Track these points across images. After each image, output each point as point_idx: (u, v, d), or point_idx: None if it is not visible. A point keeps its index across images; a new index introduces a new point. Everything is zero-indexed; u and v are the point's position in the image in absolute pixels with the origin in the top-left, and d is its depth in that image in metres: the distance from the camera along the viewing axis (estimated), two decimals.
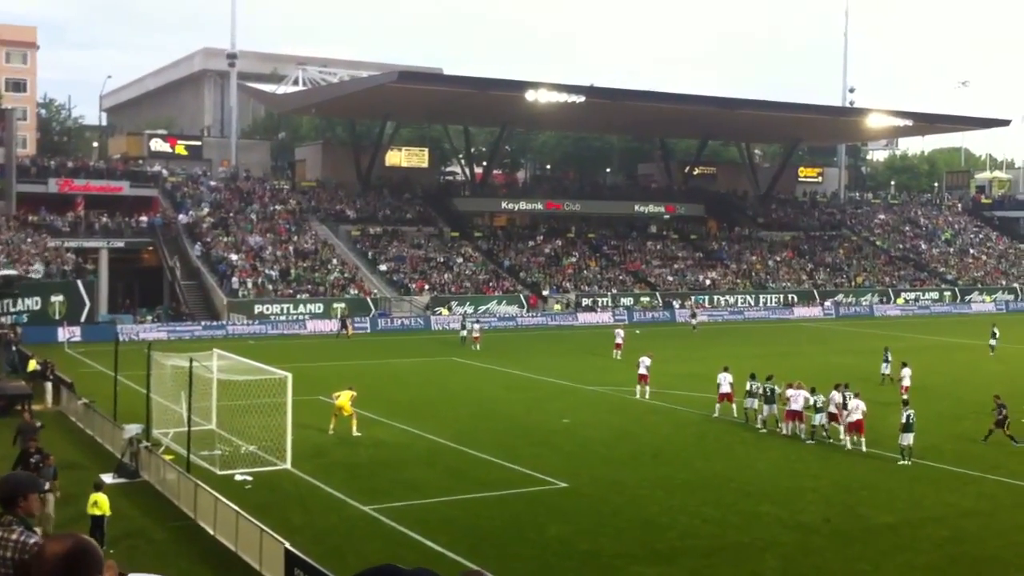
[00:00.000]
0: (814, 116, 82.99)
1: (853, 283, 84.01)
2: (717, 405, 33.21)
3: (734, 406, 32.98)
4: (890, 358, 41.69)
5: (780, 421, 30.71)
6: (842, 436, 29.00)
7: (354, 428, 29.65)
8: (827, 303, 78.89)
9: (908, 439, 26.70)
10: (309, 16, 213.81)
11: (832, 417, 29.43)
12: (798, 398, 29.71)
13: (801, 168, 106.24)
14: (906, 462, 26.47)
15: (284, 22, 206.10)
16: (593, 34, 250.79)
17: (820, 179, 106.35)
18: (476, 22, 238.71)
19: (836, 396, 29.56)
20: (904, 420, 26.85)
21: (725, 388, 32.92)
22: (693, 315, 66.77)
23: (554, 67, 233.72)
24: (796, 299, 78.98)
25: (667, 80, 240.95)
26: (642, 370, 37.11)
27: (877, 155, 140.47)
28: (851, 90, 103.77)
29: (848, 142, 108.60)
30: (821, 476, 25.52)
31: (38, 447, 21.56)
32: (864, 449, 27.95)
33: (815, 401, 29.58)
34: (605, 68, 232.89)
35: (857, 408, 28.24)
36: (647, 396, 36.61)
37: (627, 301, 73.54)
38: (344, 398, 29.72)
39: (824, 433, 29.35)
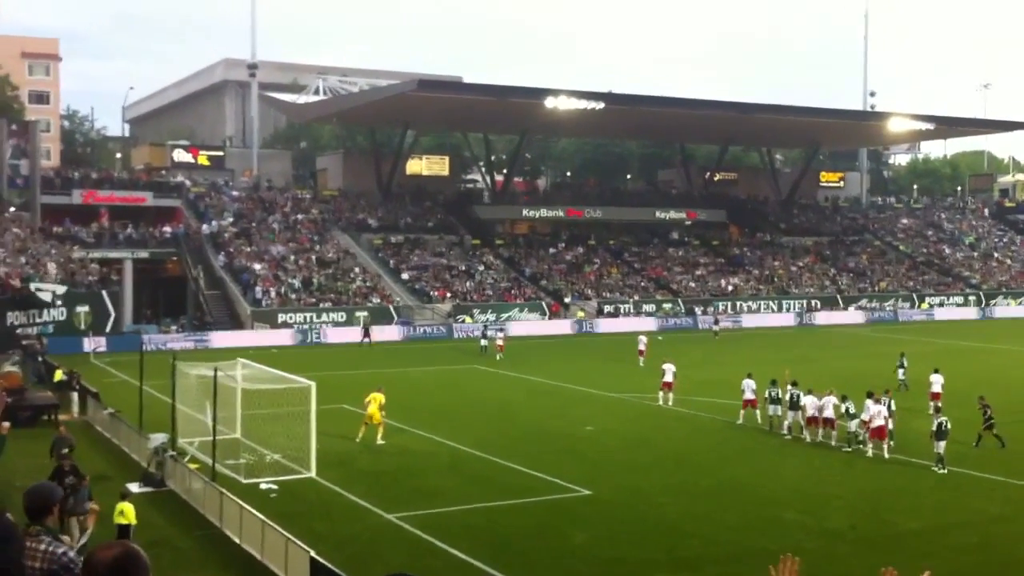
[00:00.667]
0: (835, 120, 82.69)
1: (876, 288, 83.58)
2: (741, 412, 33.10)
3: (758, 412, 32.87)
4: (906, 363, 41.25)
5: (804, 428, 30.60)
6: (817, 434, 29.52)
7: (379, 436, 29.74)
8: (851, 308, 78.52)
9: (941, 446, 26.38)
10: (326, 27, 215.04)
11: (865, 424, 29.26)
12: (827, 405, 29.46)
13: (822, 173, 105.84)
14: (942, 470, 26.13)
15: (301, 32, 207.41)
16: (593, 34, 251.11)
17: (842, 184, 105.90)
18: (476, 22, 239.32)
19: (870, 403, 29.21)
20: (936, 427, 26.53)
21: (749, 395, 32.82)
22: (716, 322, 66.57)
23: (554, 67, 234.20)
24: (819, 304, 78.64)
25: (667, 80, 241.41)
26: (668, 377, 36.95)
27: (899, 159, 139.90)
28: (872, 94, 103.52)
29: (869, 146, 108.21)
30: (846, 483, 25.39)
31: (72, 464, 21.12)
32: (886, 456, 27.76)
33: (847, 407, 29.36)
34: (605, 68, 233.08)
35: (879, 414, 27.99)
36: (671, 403, 36.52)
37: (649, 307, 73.45)
38: (374, 404, 29.81)
39: (859, 442, 28.93)
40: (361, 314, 63.70)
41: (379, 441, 29.60)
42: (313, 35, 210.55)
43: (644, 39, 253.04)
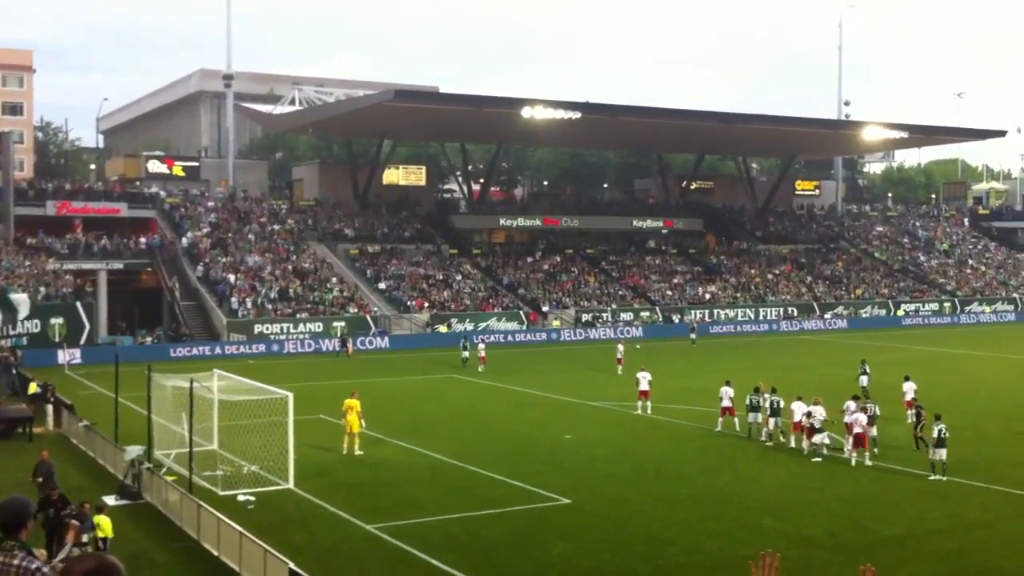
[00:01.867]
0: (811, 130, 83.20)
1: (852, 295, 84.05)
2: (720, 419, 33.15)
3: (736, 420, 32.93)
4: (868, 370, 41.39)
5: (787, 434, 30.61)
6: (803, 442, 29.46)
7: (356, 447, 29.61)
8: (827, 315, 78.93)
9: (941, 454, 26.31)
10: (302, 37, 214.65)
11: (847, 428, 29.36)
12: (816, 414, 29.24)
13: (798, 181, 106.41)
14: (940, 477, 26.12)
15: (278, 43, 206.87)
16: (593, 34, 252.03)
17: (817, 192, 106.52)
18: (476, 22, 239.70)
19: (851, 404, 29.29)
20: (937, 435, 26.39)
21: (726, 402, 32.88)
22: (692, 329, 66.67)
23: (554, 67, 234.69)
24: (796, 312, 79.01)
25: (667, 80, 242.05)
26: (644, 386, 37.02)
27: (874, 167, 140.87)
28: (847, 103, 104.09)
29: (845, 155, 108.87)
30: (825, 490, 25.46)
31: (60, 494, 20.32)
32: (868, 463, 27.84)
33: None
34: (605, 68, 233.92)
35: (858, 421, 28.06)
36: (649, 411, 36.54)
37: (627, 316, 73.57)
38: (352, 413, 29.68)
39: (830, 449, 28.94)
40: (339, 324, 63.49)
41: (357, 452, 29.48)
42: (290, 46, 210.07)
43: (644, 39, 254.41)
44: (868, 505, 23.84)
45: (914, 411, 30.55)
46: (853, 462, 27.94)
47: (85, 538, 17.68)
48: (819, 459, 28.70)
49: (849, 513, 23.08)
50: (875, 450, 28.71)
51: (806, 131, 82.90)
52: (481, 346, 53.14)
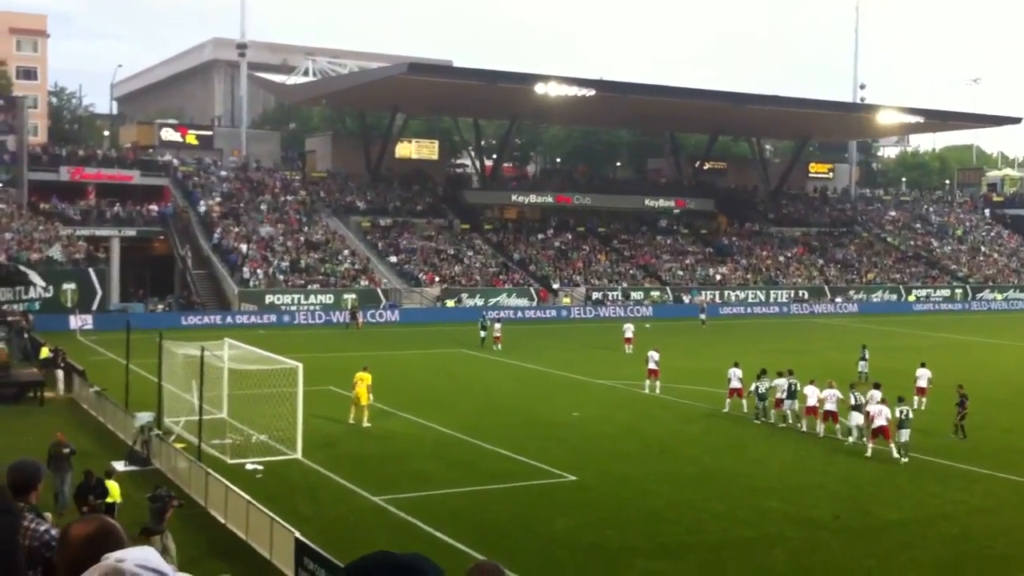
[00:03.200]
0: (825, 112, 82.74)
1: (864, 280, 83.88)
2: (727, 400, 33.22)
3: (744, 402, 32.99)
4: (867, 355, 41.27)
5: (800, 417, 30.60)
6: (817, 425, 29.44)
7: (365, 419, 29.78)
8: (838, 300, 78.81)
9: (903, 435, 26.47)
10: (316, 7, 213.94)
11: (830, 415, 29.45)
12: (830, 398, 29.28)
13: (812, 164, 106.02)
14: (904, 459, 26.21)
15: (292, 13, 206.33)
16: (593, 34, 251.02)
17: (831, 175, 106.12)
18: (476, 22, 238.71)
19: (876, 393, 28.94)
20: (899, 416, 26.58)
21: (735, 383, 32.92)
22: (703, 310, 66.63)
23: (554, 67, 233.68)
24: (806, 295, 78.90)
25: (667, 80, 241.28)
26: (651, 365, 37.13)
27: (888, 152, 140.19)
28: (862, 86, 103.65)
29: (859, 139, 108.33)
30: (829, 472, 25.53)
31: (98, 478, 19.14)
32: (896, 455, 26.64)
33: (856, 398, 28.56)
34: (605, 68, 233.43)
35: (881, 413, 26.99)
36: (657, 391, 36.63)
37: (638, 295, 73.59)
38: (361, 385, 29.87)
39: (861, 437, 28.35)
40: (349, 296, 63.64)
41: (365, 424, 29.65)
42: (303, 16, 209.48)
43: (644, 39, 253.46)
44: (872, 489, 23.91)
45: (958, 398, 30.24)
46: (869, 452, 27.16)
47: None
48: (851, 439, 28.44)
49: (853, 496, 23.15)
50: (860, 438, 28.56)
51: (820, 114, 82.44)
52: (497, 325, 52.23)
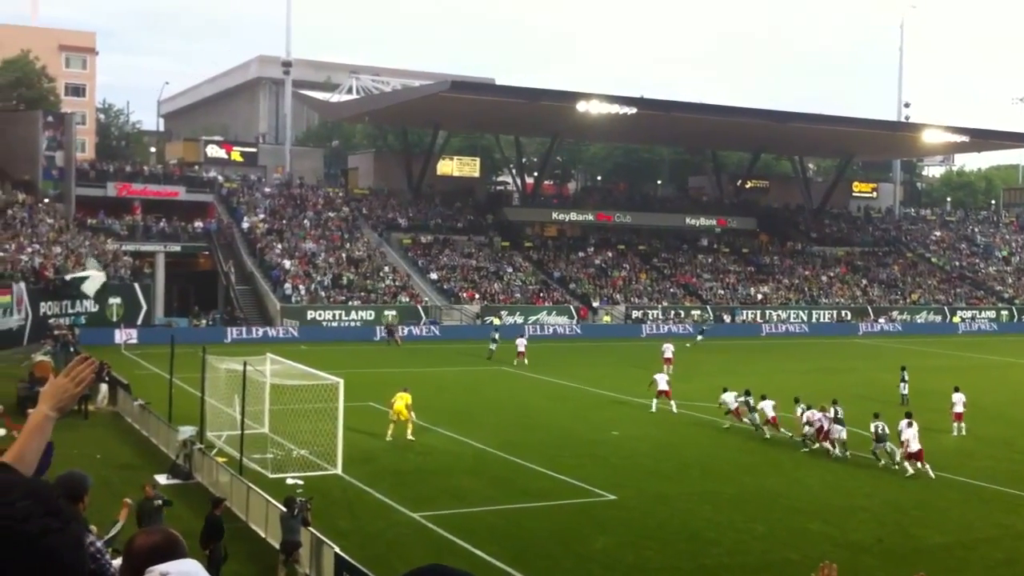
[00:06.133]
0: (868, 131, 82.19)
1: (908, 300, 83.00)
2: (765, 428, 32.91)
3: (745, 420, 33.07)
4: (907, 377, 40.83)
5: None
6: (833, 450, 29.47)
7: (409, 432, 29.92)
8: (881, 320, 78.02)
9: (883, 447, 27.66)
10: (358, 24, 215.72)
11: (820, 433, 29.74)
12: (823, 421, 29.73)
13: (855, 183, 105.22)
14: (886, 463, 27.44)
15: (336, 30, 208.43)
16: (593, 34, 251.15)
17: (875, 194, 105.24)
18: (476, 22, 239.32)
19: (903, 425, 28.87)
20: (873, 431, 27.81)
21: (770, 413, 32.67)
22: (702, 332, 65.17)
23: (554, 67, 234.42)
24: (849, 315, 78.20)
25: (668, 80, 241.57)
26: (663, 386, 37.02)
27: (933, 171, 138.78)
28: (906, 105, 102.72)
29: (903, 157, 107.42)
30: (873, 495, 25.25)
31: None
32: (932, 475, 26.70)
33: (876, 428, 28.38)
34: (605, 68, 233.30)
35: (914, 437, 27.15)
36: (675, 409, 36.27)
37: (678, 314, 73.29)
38: (400, 403, 30.02)
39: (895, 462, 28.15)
40: (389, 313, 63.94)
41: (409, 437, 29.79)
42: (347, 33, 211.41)
43: (644, 39, 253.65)
44: (915, 512, 23.63)
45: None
46: (910, 471, 27.01)
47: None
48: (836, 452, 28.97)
49: (896, 519, 22.89)
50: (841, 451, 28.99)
51: (863, 132, 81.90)
52: (522, 341, 52.04)
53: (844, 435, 29.13)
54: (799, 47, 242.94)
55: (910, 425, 27.72)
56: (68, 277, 54.03)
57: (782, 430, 31.77)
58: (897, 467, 27.34)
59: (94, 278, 54.81)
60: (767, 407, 32.14)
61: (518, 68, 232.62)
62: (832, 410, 29.86)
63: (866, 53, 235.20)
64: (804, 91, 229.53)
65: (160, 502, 18.95)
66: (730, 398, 33.78)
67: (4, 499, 1.75)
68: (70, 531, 1.81)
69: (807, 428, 30.24)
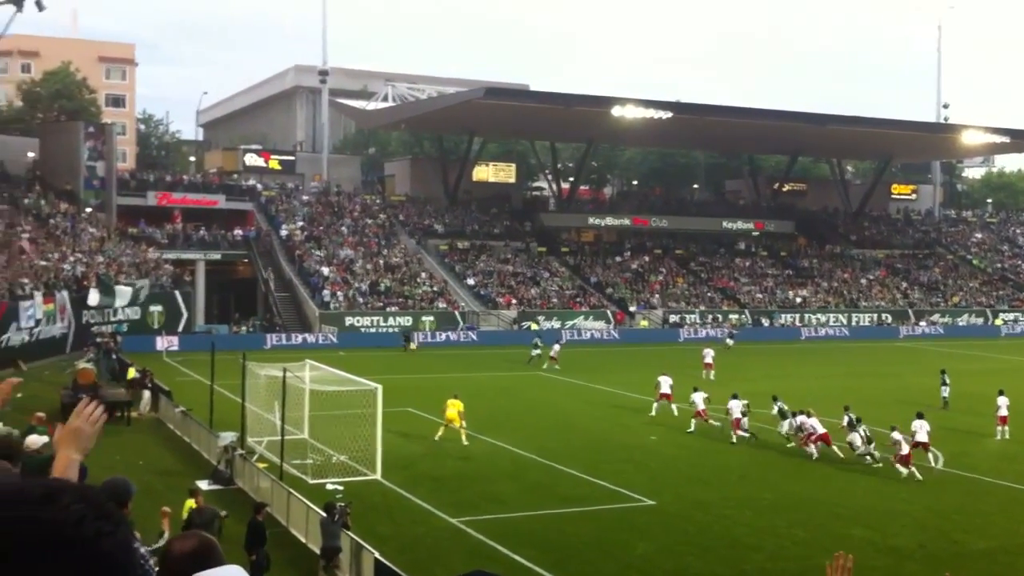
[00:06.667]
0: (907, 132, 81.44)
1: (949, 303, 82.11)
2: (733, 433, 32.50)
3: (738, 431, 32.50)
4: (948, 381, 40.33)
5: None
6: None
7: (463, 438, 30.18)
8: (922, 323, 77.20)
9: (861, 448, 28.32)
10: (392, 32, 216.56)
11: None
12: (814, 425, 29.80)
13: (894, 185, 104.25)
14: (873, 463, 27.98)
15: (371, 39, 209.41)
16: (593, 34, 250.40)
17: (914, 196, 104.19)
18: (476, 22, 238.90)
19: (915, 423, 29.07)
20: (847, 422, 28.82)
21: (736, 414, 32.36)
22: (731, 335, 64.25)
23: (554, 67, 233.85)
24: (890, 318, 77.48)
25: (668, 80, 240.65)
26: (665, 389, 36.73)
27: (973, 172, 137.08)
28: (945, 106, 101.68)
29: (943, 159, 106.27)
30: (914, 500, 25.00)
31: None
32: (919, 477, 26.78)
33: (863, 431, 29.03)
34: (605, 68, 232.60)
35: (922, 429, 28.44)
36: (675, 412, 35.76)
37: (718, 318, 72.96)
38: (452, 411, 30.23)
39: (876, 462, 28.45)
40: (400, 319, 64.01)
41: (464, 442, 30.03)
42: (382, 41, 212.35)
43: (644, 39, 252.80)
44: (958, 517, 23.38)
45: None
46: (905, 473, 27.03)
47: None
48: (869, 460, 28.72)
49: (939, 525, 22.67)
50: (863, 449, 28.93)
51: (902, 134, 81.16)
52: (557, 346, 52.61)
53: (857, 440, 28.83)
54: (799, 47, 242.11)
55: (920, 416, 28.94)
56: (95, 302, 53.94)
57: (737, 431, 31.81)
58: (869, 458, 28.29)
59: (122, 294, 55.24)
60: (734, 408, 32.16)
61: (518, 68, 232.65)
62: (846, 417, 30.03)
63: (901, 55, 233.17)
64: (804, 91, 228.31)
65: (224, 514, 18.95)
66: (736, 407, 32.89)
67: (56, 503, 1.77)
68: (121, 534, 1.84)
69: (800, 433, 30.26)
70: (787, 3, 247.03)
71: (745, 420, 32.49)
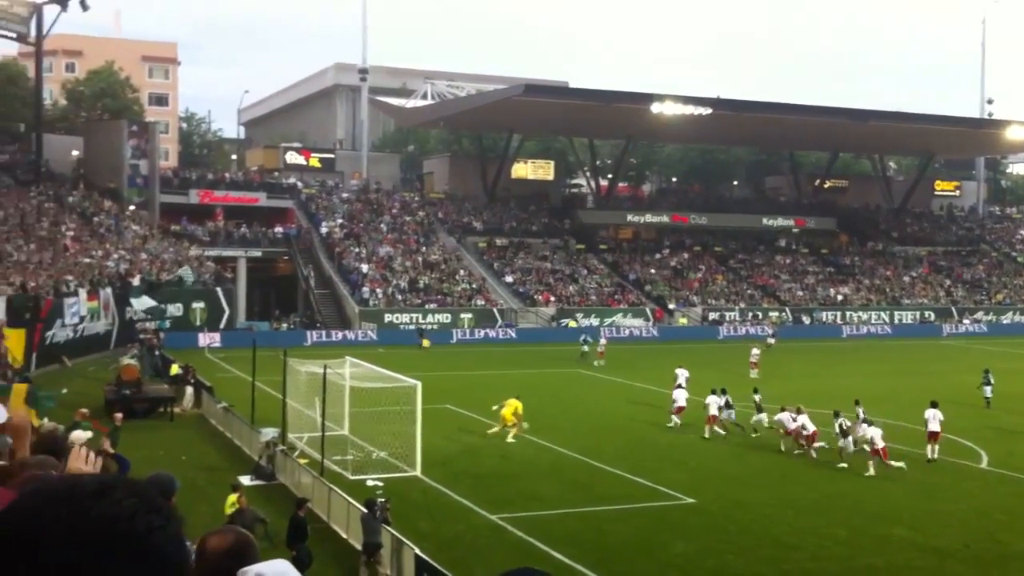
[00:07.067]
0: (949, 128, 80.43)
1: (993, 300, 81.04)
2: (706, 427, 32.44)
3: (716, 428, 32.49)
4: (991, 380, 39.70)
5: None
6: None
7: (510, 436, 30.38)
8: (966, 321, 76.26)
9: (846, 443, 28.05)
10: (431, 30, 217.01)
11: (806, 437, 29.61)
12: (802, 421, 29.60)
13: (937, 181, 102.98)
14: (844, 465, 27.63)
15: (411, 37, 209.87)
16: (593, 34, 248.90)
17: (958, 193, 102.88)
18: (476, 22, 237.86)
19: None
20: (838, 428, 28.50)
21: (713, 411, 32.36)
22: (773, 335, 63.23)
23: (554, 67, 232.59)
24: (933, 316, 76.61)
25: (667, 80, 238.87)
26: (681, 403, 36.29)
27: (1018, 168, 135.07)
28: (990, 101, 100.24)
29: (986, 155, 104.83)
30: (958, 499, 24.73)
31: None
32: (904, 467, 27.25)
33: (840, 423, 28.95)
34: (605, 68, 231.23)
35: (933, 418, 28.60)
36: (678, 423, 35.37)
37: (756, 316, 72.49)
38: (507, 410, 30.49)
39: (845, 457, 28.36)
40: (413, 315, 64.06)
41: (509, 439, 30.31)
42: (422, 39, 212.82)
43: (644, 39, 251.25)
44: (1002, 517, 23.10)
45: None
46: (872, 471, 27.08)
47: None
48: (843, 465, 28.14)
49: (983, 525, 22.40)
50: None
51: (944, 129, 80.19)
52: (603, 341, 53.87)
53: (873, 434, 28.12)
54: (799, 47, 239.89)
55: (934, 405, 29.09)
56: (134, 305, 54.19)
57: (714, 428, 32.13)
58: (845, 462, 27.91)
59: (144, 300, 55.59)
60: (711, 403, 32.40)
61: (518, 70, 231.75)
62: (857, 412, 30.43)
63: (944, 51, 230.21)
64: (804, 91, 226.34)
65: (265, 519, 19.04)
66: (714, 403, 32.87)
67: (109, 498, 1.78)
68: (172, 528, 1.87)
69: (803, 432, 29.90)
70: (787, 3, 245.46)
71: (731, 413, 32.94)
